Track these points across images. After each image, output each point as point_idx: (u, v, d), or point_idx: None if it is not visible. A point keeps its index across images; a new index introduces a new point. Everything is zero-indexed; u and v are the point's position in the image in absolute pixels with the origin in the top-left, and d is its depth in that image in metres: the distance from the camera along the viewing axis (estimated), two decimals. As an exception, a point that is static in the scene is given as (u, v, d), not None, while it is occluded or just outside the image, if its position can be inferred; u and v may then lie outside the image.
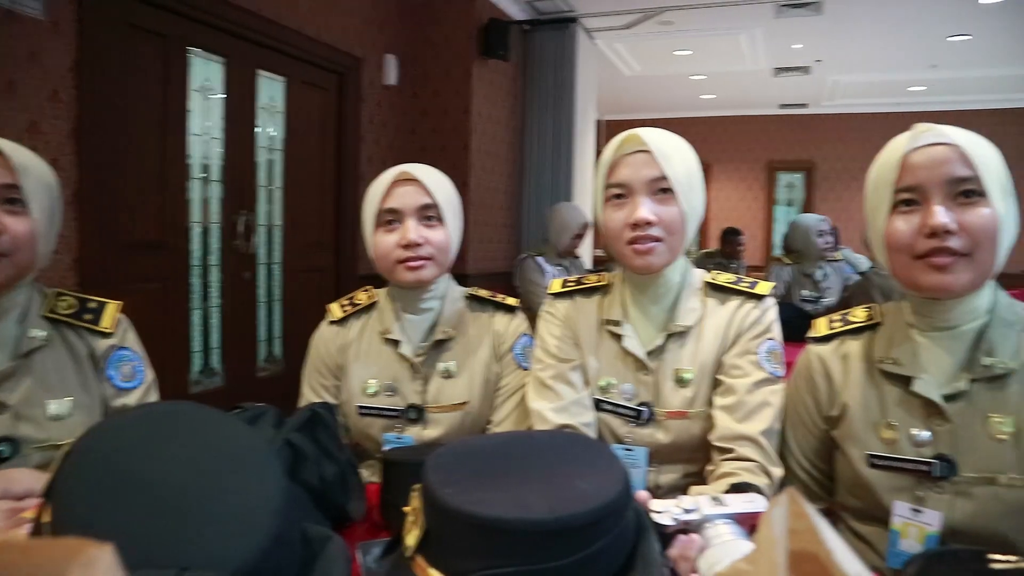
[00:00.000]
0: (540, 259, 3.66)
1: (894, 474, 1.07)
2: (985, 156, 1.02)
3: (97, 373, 1.25)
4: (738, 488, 1.00)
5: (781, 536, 0.40)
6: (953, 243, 1.00)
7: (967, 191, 1.01)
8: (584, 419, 1.29)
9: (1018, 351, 1.04)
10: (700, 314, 1.29)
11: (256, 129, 3.84)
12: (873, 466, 1.09)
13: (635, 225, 1.20)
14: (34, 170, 1.16)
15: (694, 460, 1.28)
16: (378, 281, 1.53)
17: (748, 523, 0.80)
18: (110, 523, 0.62)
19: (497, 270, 5.32)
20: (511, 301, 1.56)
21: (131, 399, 1.27)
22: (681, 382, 1.26)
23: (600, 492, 0.65)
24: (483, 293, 1.55)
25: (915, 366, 1.08)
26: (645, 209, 1.20)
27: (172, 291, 3.37)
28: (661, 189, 1.21)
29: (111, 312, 1.28)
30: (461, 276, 4.81)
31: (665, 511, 0.81)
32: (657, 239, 1.21)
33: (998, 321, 1.06)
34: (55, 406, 1.17)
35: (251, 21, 3.65)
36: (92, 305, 1.28)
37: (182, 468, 0.65)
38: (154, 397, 1.33)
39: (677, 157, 1.22)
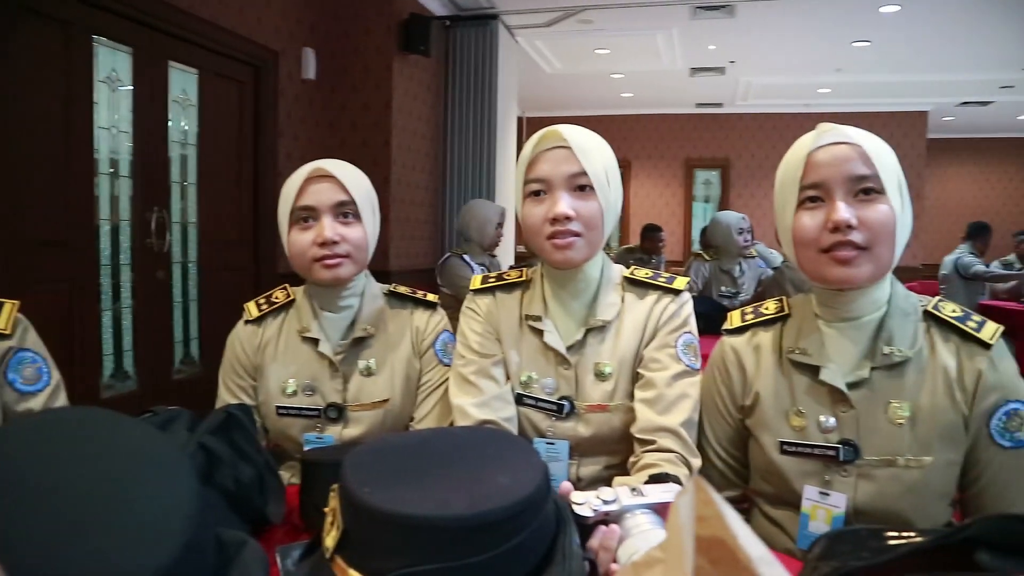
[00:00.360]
0: (466, 257, 3.65)
1: (803, 459, 1.13)
2: (883, 156, 1.08)
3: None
4: (657, 479, 1.03)
5: (688, 523, 0.42)
6: (855, 237, 1.06)
7: (867, 188, 1.06)
8: (505, 414, 1.30)
9: (914, 340, 1.10)
10: (619, 309, 1.31)
11: (168, 123, 3.70)
12: (784, 452, 1.14)
13: (554, 220, 1.22)
14: None
15: (615, 452, 1.30)
16: (297, 279, 1.49)
17: (666, 512, 0.83)
18: (9, 537, 0.59)
19: (420, 267, 5.29)
20: (431, 297, 1.55)
21: (36, 403, 1.21)
22: (601, 376, 1.28)
23: (519, 486, 0.66)
24: (402, 290, 1.53)
25: (822, 356, 1.13)
26: (564, 204, 1.21)
27: (80, 292, 3.21)
28: (580, 185, 1.22)
29: (7, 312, 1.22)
30: (383, 273, 4.76)
31: (585, 502, 0.82)
32: (576, 234, 1.22)
33: (896, 312, 1.12)
34: None
35: (160, 10, 3.50)
36: None
37: (86, 476, 0.63)
38: (61, 400, 1.27)
39: (596, 154, 1.24)
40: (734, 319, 1.29)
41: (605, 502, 0.82)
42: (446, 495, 0.64)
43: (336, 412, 1.40)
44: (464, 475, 0.68)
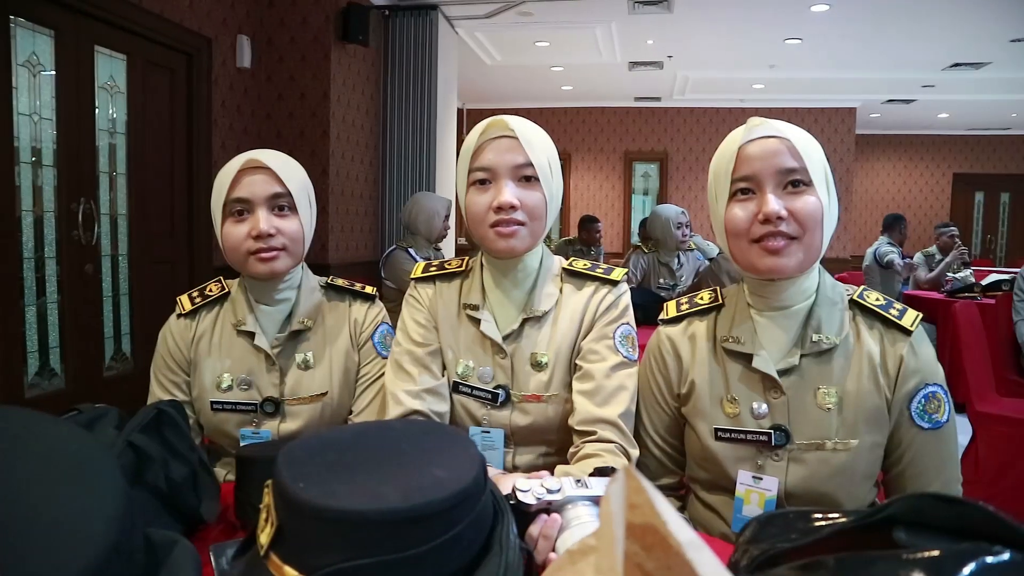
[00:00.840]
0: (411, 250, 3.61)
1: (737, 445, 1.16)
2: (810, 149, 1.11)
3: None
4: (602, 472, 1.04)
5: (620, 510, 0.43)
6: (784, 228, 1.09)
7: (795, 181, 1.10)
8: (438, 408, 1.30)
9: (841, 327, 1.15)
10: (557, 299, 1.32)
11: (95, 110, 3.57)
12: (718, 439, 1.17)
13: (499, 208, 1.22)
14: None
15: (551, 442, 1.32)
16: (233, 272, 1.46)
17: None
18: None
19: (359, 260, 5.23)
20: (369, 290, 1.54)
21: None
22: (537, 366, 1.29)
23: (455, 479, 0.66)
24: (340, 282, 1.52)
25: (754, 344, 1.17)
26: (509, 193, 1.22)
27: (2, 286, 3.07)
28: (525, 176, 1.23)
29: None
30: (323, 266, 4.69)
31: (529, 490, 0.83)
32: (520, 223, 1.23)
33: (824, 300, 1.16)
34: None
35: (85, -8, 3.37)
36: None
37: (6, 478, 0.60)
38: None
39: (540, 145, 1.25)
40: (670, 309, 1.31)
41: (549, 491, 0.83)
42: (381, 488, 0.63)
43: (273, 406, 1.37)
44: (400, 468, 0.67)
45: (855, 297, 1.18)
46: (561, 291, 1.34)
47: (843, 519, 0.70)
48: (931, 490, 0.97)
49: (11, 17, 3.08)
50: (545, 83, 9.31)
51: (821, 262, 1.18)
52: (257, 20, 4.76)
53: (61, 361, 3.45)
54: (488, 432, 1.29)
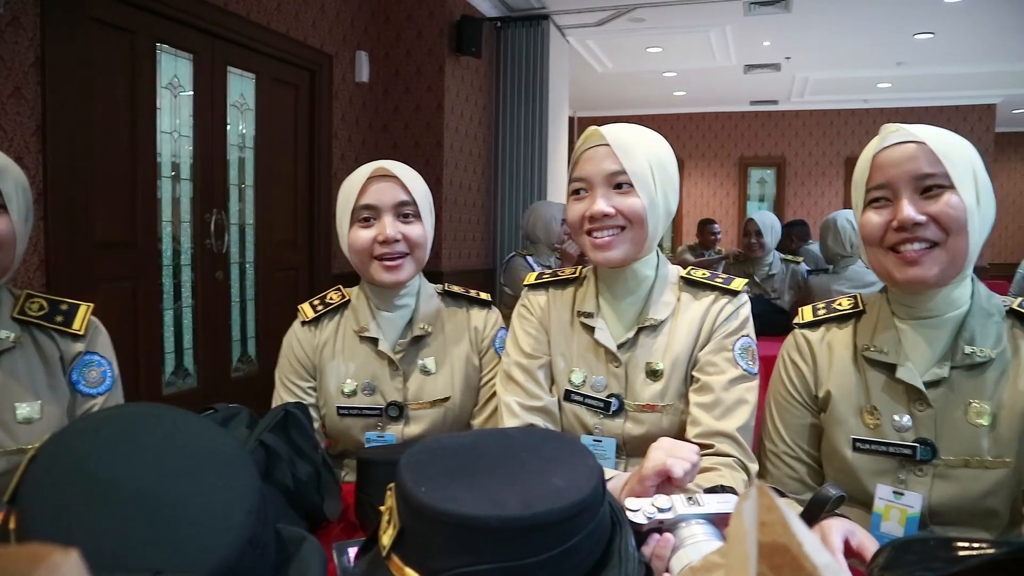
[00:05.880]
0: (530, 258, 3.67)
1: (877, 457, 1.11)
2: (952, 150, 1.05)
3: (65, 377, 1.23)
4: (712, 491, 1.01)
5: (752, 529, 0.41)
6: (924, 233, 1.03)
7: (933, 185, 1.03)
8: (548, 427, 1.31)
9: (998, 340, 1.08)
10: (673, 308, 1.30)
11: (227, 127, 3.80)
12: (857, 449, 1.12)
13: (592, 218, 1.22)
14: (11, 172, 1.15)
15: None
16: (350, 280, 1.52)
17: (723, 524, 0.81)
18: (79, 528, 0.61)
19: (472, 268, 5.32)
20: (484, 296, 1.57)
21: (95, 404, 1.25)
22: (653, 375, 1.27)
23: (574, 488, 0.66)
24: (456, 289, 1.55)
25: (898, 354, 1.11)
26: (601, 202, 1.21)
27: (143, 291, 3.31)
28: (619, 183, 1.22)
29: (82, 314, 1.26)
30: (436, 274, 4.79)
31: (639, 509, 0.81)
32: (616, 232, 1.23)
33: (978, 311, 1.09)
34: (25, 409, 1.15)
35: (219, 17, 3.60)
36: (63, 307, 1.25)
37: (154, 471, 0.65)
38: (116, 402, 1.30)
39: (639, 150, 1.22)
40: (806, 314, 1.27)
41: (660, 510, 0.81)
42: (501, 495, 0.64)
43: (397, 411, 1.41)
44: (520, 476, 0.67)
45: (1015, 307, 1.11)
46: (679, 300, 1.31)
47: (992, 550, 0.65)
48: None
49: (156, 43, 3.33)
50: (657, 89, 9.19)
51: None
52: (374, 36, 4.93)
53: (194, 362, 3.68)
54: (600, 441, 1.28)
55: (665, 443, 0.96)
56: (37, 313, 1.22)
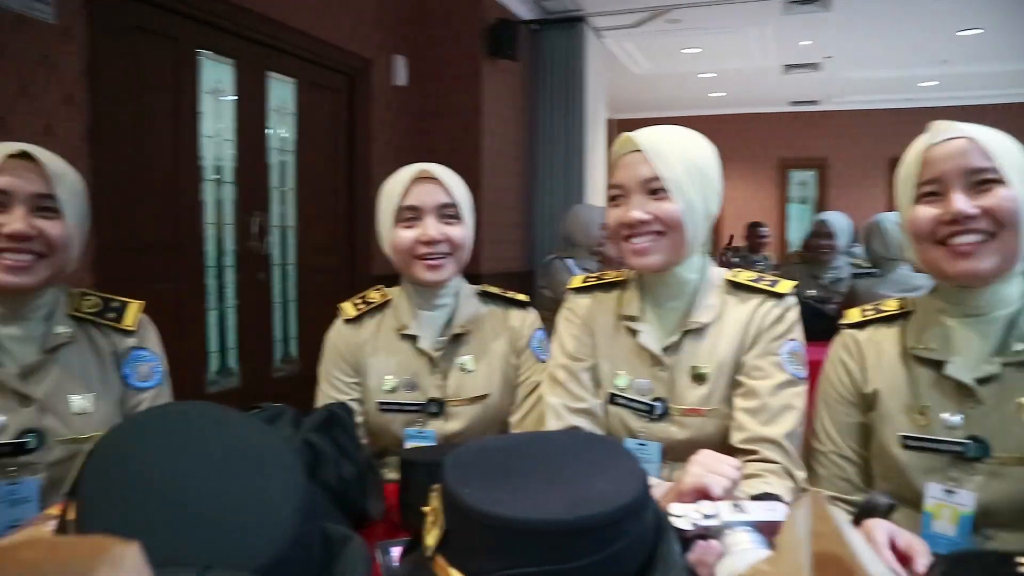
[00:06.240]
0: (568, 261, 3.67)
1: (927, 455, 1.09)
2: (1002, 147, 1.05)
3: (116, 372, 1.28)
4: (758, 498, 1.00)
5: (804, 538, 0.40)
6: (975, 226, 1.02)
7: (984, 179, 1.02)
8: (593, 429, 1.31)
9: None
10: (718, 312, 1.28)
11: (268, 131, 3.86)
12: (906, 447, 1.11)
13: (628, 224, 1.22)
14: (67, 178, 1.20)
15: None
16: (389, 282, 1.56)
17: (769, 531, 0.80)
18: (133, 521, 0.63)
19: (509, 270, 5.31)
20: (522, 297, 1.60)
21: (144, 398, 1.30)
22: (698, 379, 1.26)
23: (619, 492, 0.65)
24: (494, 290, 1.59)
25: (947, 350, 1.10)
26: (636, 209, 1.21)
27: (187, 292, 3.38)
28: (654, 188, 1.21)
29: (133, 312, 1.32)
30: (474, 276, 4.80)
31: (684, 515, 0.80)
32: (653, 237, 1.22)
33: None
34: (78, 401, 1.21)
35: (260, 23, 3.66)
36: (115, 304, 1.32)
37: (203, 468, 0.66)
38: (166, 397, 1.35)
39: (673, 154, 1.21)
40: (853, 315, 1.26)
41: (705, 516, 0.80)
42: (546, 498, 0.64)
43: (436, 407, 1.45)
44: (564, 479, 0.67)
45: None
46: (724, 303, 1.30)
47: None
48: None
49: (198, 50, 3.39)
50: (694, 90, 9.11)
51: None
52: (411, 40, 4.96)
53: (238, 361, 3.74)
54: (644, 445, 1.27)
55: (704, 457, 0.95)
56: (91, 310, 1.29)
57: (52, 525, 0.90)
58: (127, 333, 1.30)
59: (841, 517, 0.38)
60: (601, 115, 6.24)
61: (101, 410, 1.23)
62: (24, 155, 1.15)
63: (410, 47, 4.95)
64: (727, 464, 0.93)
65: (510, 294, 1.59)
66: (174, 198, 3.28)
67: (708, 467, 0.93)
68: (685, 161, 1.22)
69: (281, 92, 3.98)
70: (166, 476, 0.65)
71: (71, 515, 0.65)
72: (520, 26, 5.25)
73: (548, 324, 1.56)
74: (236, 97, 3.65)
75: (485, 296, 1.58)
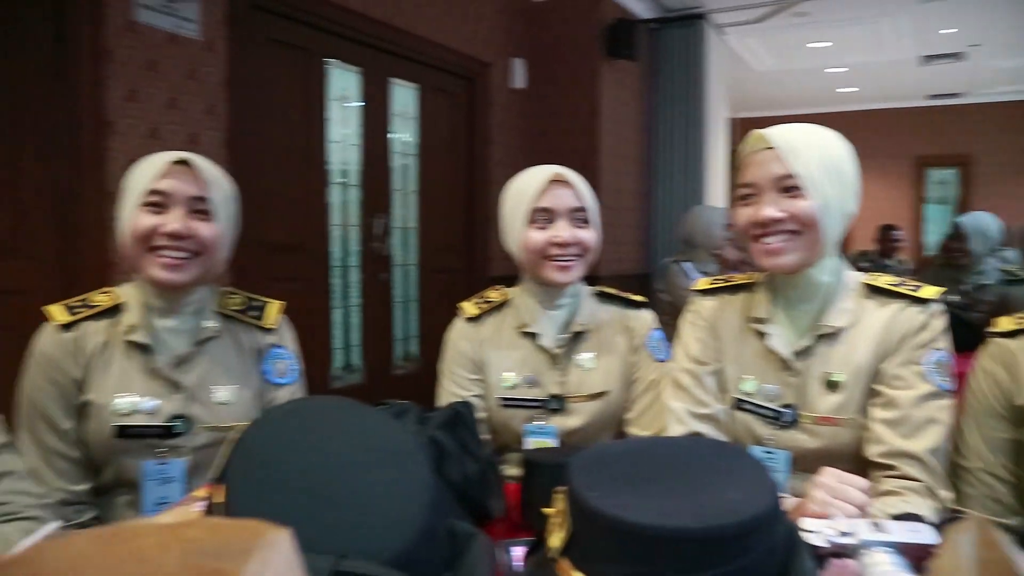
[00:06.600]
0: (686, 264, 3.59)
1: None
2: None
3: (256, 366, 1.37)
4: (899, 519, 0.94)
5: (969, 566, 0.37)
6: None
7: None
8: (715, 435, 1.28)
9: None
10: (855, 316, 1.22)
11: (390, 135, 3.99)
12: None
13: (760, 223, 1.18)
14: (220, 183, 1.29)
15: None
16: (508, 282, 1.60)
17: (911, 555, 0.75)
18: (275, 507, 0.66)
19: (627, 272, 5.26)
20: (638, 297, 1.61)
21: (282, 394, 1.38)
22: (831, 386, 1.20)
23: (749, 503, 0.63)
24: (611, 290, 1.60)
25: None
26: (769, 207, 1.17)
27: (313, 291, 3.55)
28: (788, 187, 1.16)
29: (274, 311, 1.41)
30: (591, 278, 4.78)
31: (819, 531, 0.76)
32: (787, 237, 1.17)
33: None
34: (222, 392, 1.30)
35: (384, 32, 3.79)
36: (257, 303, 1.41)
37: (340, 460, 0.69)
38: (301, 394, 1.43)
39: (808, 150, 1.16)
40: (1004, 324, 1.19)
41: (842, 533, 0.76)
42: (673, 506, 0.62)
43: (557, 403, 1.47)
44: (691, 486, 0.66)
45: None
46: (861, 307, 1.23)
47: None
48: None
49: (326, 59, 3.56)
50: (822, 86, 8.72)
51: None
52: (530, 42, 5.00)
53: (361, 358, 3.88)
54: (771, 453, 1.22)
55: (828, 479, 0.91)
56: (235, 308, 1.38)
57: (200, 506, 0.96)
58: (267, 331, 1.38)
59: (1011, 545, 0.35)
60: (722, 114, 6.08)
61: (242, 401, 1.31)
62: (183, 162, 1.25)
63: (528, 50, 4.99)
64: (854, 488, 0.88)
65: (627, 295, 1.61)
66: (302, 201, 3.45)
67: (834, 491, 0.88)
68: (820, 157, 1.16)
69: (404, 97, 4.11)
70: (306, 466, 0.68)
71: (218, 498, 0.69)
72: (639, 25, 5.19)
73: (665, 329, 1.57)
74: (362, 103, 3.80)
75: (603, 296, 1.59)
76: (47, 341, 1.25)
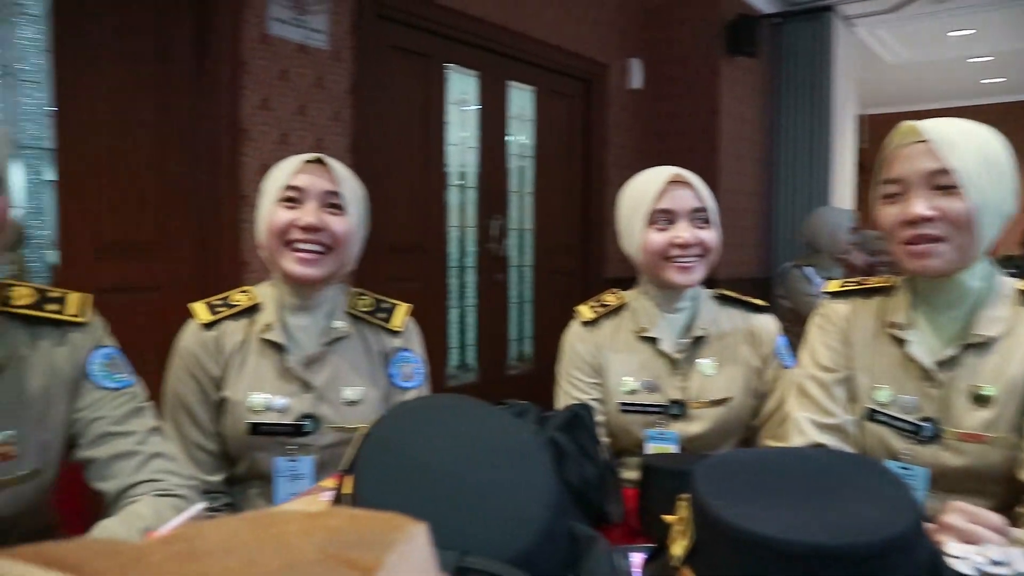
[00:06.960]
0: (808, 269, 3.44)
1: None
2: None
3: (383, 369, 1.39)
4: None
5: None
6: None
7: None
8: (841, 448, 1.20)
9: None
10: (1009, 326, 1.12)
11: (508, 138, 4.04)
12: None
13: (910, 223, 1.09)
14: (350, 181, 1.34)
15: (989, 493, 1.11)
16: (624, 284, 1.58)
17: None
18: (398, 501, 0.68)
19: (746, 275, 5.10)
20: (759, 301, 1.57)
21: (407, 397, 1.39)
22: (980, 400, 1.11)
23: (888, 522, 0.60)
24: (731, 294, 1.57)
25: None
26: (920, 205, 1.07)
27: (431, 290, 3.64)
28: (942, 184, 1.07)
29: (401, 314, 1.43)
30: (710, 281, 4.68)
31: (966, 558, 0.71)
32: (937, 238, 1.08)
33: None
34: (349, 392, 1.33)
35: (502, 35, 3.84)
36: (386, 306, 1.43)
37: (465, 457, 0.70)
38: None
39: (965, 145, 1.07)
40: None
41: (994, 562, 0.70)
42: (804, 520, 0.60)
43: (679, 409, 1.44)
44: (824, 501, 0.63)
45: None
46: (1017, 316, 1.13)
47: None
48: None
49: (446, 64, 3.64)
50: (963, 77, 8.14)
51: None
52: (648, 42, 4.94)
53: (476, 358, 3.95)
54: (908, 469, 1.14)
55: (957, 517, 0.82)
56: (365, 309, 1.41)
57: (328, 495, 1.00)
58: (395, 334, 1.41)
59: None
60: (850, 111, 5.79)
61: (369, 403, 1.34)
62: (317, 161, 1.31)
63: (645, 49, 4.93)
64: (985, 530, 0.80)
65: (749, 298, 1.56)
66: (421, 203, 3.55)
67: (962, 533, 0.80)
68: (978, 152, 1.07)
69: (520, 100, 4.15)
70: (432, 461, 0.70)
71: (346, 489, 0.72)
72: (761, 21, 5.02)
73: (786, 335, 1.54)
74: (479, 107, 3.86)
75: (723, 300, 1.55)
76: (190, 339, 1.32)
